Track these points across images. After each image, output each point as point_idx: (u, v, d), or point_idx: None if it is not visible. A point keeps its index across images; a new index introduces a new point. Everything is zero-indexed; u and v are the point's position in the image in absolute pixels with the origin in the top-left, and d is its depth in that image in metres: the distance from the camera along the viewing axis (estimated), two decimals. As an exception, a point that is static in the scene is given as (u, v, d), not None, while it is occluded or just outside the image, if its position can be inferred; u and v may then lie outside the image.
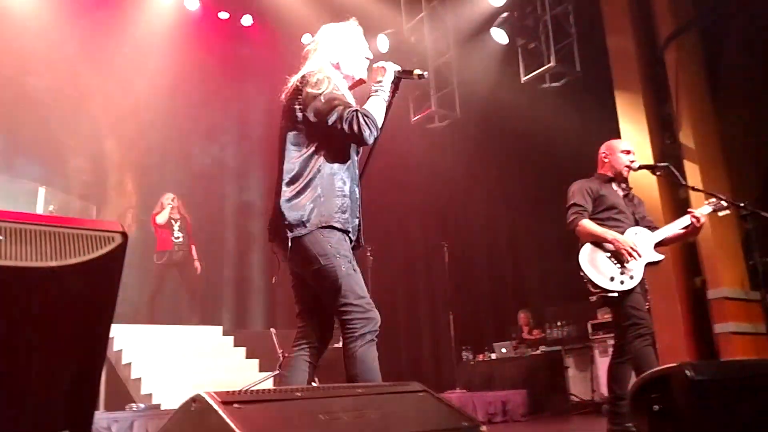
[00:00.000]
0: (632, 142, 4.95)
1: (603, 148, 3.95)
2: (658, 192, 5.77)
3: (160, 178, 8.30)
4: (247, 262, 9.30)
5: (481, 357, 7.34)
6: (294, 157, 2.49)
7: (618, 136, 5.97)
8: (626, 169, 3.85)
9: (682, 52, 6.04)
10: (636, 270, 3.56)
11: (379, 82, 2.59)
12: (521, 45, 7.17)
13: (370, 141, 2.47)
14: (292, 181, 2.46)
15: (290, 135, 2.52)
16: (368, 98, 2.55)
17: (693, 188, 4.76)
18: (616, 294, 3.53)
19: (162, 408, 4.92)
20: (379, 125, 2.50)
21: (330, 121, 2.41)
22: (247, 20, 9.08)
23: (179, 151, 8.73)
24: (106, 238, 2.14)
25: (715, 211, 3.91)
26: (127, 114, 8.30)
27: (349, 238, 2.50)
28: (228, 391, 1.56)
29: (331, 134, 2.44)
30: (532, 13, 7.04)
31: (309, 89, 2.46)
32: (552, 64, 6.77)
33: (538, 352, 6.81)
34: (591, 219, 3.70)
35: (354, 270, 2.42)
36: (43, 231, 1.99)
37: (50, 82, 7.77)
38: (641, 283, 3.59)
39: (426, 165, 8.97)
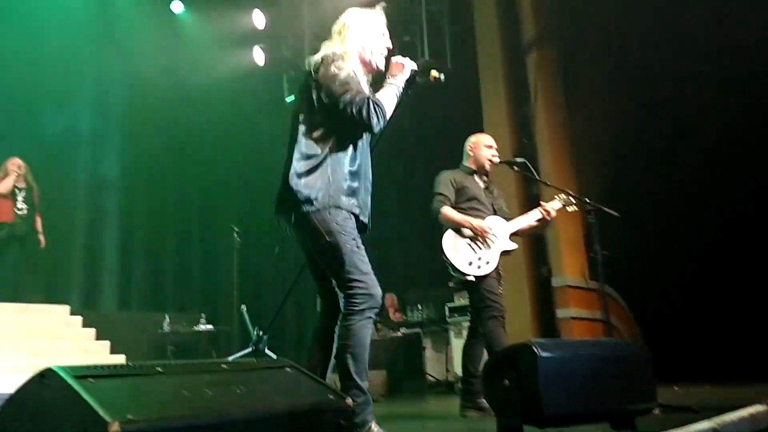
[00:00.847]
0: (493, 138, 5.24)
1: (469, 142, 4.16)
2: (515, 186, 6.18)
3: (2, 142, 7.50)
4: (100, 239, 8.69)
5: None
6: (307, 136, 2.52)
7: (482, 131, 6.31)
8: (488, 162, 4.09)
9: (542, 57, 6.51)
10: (492, 257, 3.80)
11: (395, 76, 2.64)
12: (397, 37, 7.32)
13: (377, 129, 2.52)
14: (303, 159, 2.50)
15: (305, 113, 2.56)
16: (381, 89, 2.61)
17: (546, 184, 5.16)
18: (473, 278, 3.76)
19: (-4, 393, 4.49)
20: (388, 116, 2.54)
21: (341, 105, 2.45)
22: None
23: (26, 113, 7.93)
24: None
25: (564, 206, 4.27)
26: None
27: (358, 219, 2.55)
28: (82, 366, 1.47)
29: (343, 118, 2.48)
30: (409, 6, 7.21)
31: (326, 70, 2.50)
32: (426, 58, 6.99)
33: (399, 334, 7.06)
34: (453, 208, 3.90)
35: (358, 247, 2.48)
36: None
37: None
38: (496, 269, 3.84)
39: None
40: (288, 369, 1.94)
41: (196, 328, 7.24)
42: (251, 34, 8.29)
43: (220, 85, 8.50)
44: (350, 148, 2.56)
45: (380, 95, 2.57)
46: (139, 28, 8.63)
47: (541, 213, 4.03)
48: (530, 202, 6.29)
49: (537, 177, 5.59)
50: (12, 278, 6.74)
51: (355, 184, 2.54)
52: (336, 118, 2.49)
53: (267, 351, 3.85)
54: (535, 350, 2.18)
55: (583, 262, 6.21)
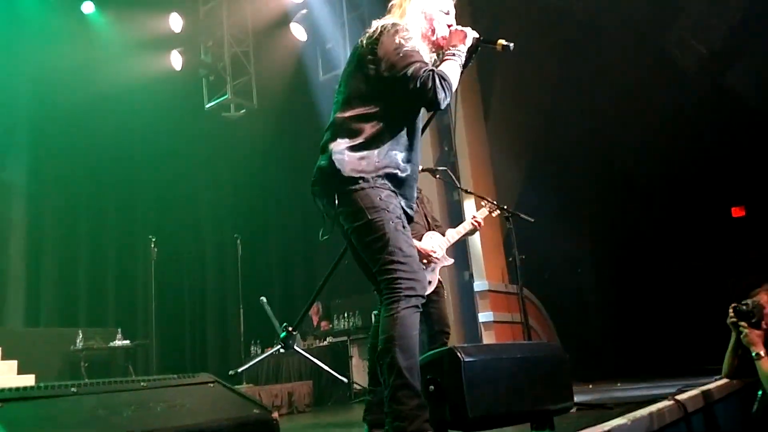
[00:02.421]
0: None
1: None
2: (437, 193, 6.31)
3: None
4: (5, 249, 8.14)
5: (269, 350, 7.33)
6: (355, 110, 2.28)
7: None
8: (413, 170, 4.13)
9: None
10: (433, 277, 3.82)
11: (455, 46, 2.38)
12: (320, 44, 7.33)
13: (443, 105, 2.24)
14: (349, 135, 2.25)
15: (356, 85, 2.31)
16: (442, 62, 2.34)
17: (466, 191, 5.31)
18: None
19: None
20: (453, 90, 2.28)
21: (403, 78, 2.19)
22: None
23: None
24: None
25: (490, 212, 4.41)
26: None
27: (402, 208, 2.29)
28: (-13, 390, 1.37)
29: (400, 95, 2.23)
30: (330, 14, 7.23)
31: (388, 41, 2.25)
32: (349, 57, 7.02)
33: (325, 343, 7.02)
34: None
35: (403, 227, 2.22)
36: None
37: None
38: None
39: (220, 155, 8.71)
40: (211, 384, 1.89)
41: (111, 344, 6.91)
42: (168, 38, 8.04)
43: (136, 89, 8.17)
44: (404, 128, 2.31)
45: (444, 68, 2.29)
46: (46, 28, 8.18)
47: (473, 224, 4.11)
48: (452, 208, 6.45)
49: (458, 184, 5.78)
50: None
51: (406, 169, 2.30)
52: (394, 92, 2.24)
53: (297, 348, 3.42)
54: (459, 355, 2.23)
55: (502, 266, 6.41)
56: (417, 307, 2.14)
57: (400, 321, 2.08)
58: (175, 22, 7.83)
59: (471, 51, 2.42)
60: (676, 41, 7.16)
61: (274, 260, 8.89)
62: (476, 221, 4.11)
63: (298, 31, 7.34)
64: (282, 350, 3.37)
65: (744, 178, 7.45)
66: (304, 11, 7.27)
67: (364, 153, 2.22)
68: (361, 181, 2.19)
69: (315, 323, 7.61)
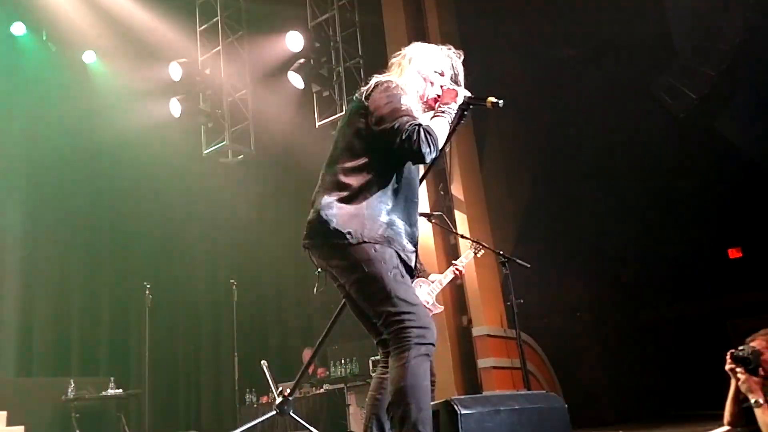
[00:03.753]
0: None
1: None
2: (433, 238, 6.32)
3: None
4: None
5: (265, 399, 7.21)
6: (344, 164, 2.32)
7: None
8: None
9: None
10: None
11: (447, 104, 2.43)
12: (316, 92, 7.44)
13: (428, 159, 2.28)
14: (340, 189, 2.28)
15: (347, 138, 2.36)
16: (432, 118, 2.40)
17: (462, 236, 5.33)
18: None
19: None
20: (440, 146, 2.32)
21: (390, 131, 2.23)
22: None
23: None
24: None
25: (475, 254, 4.43)
26: None
27: (400, 258, 2.27)
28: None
29: (387, 148, 2.26)
30: (326, 62, 7.37)
31: (379, 96, 2.32)
32: (343, 113, 7.11)
33: (322, 390, 6.90)
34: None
35: (402, 276, 2.21)
36: None
37: None
38: None
39: (217, 200, 8.74)
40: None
41: (104, 393, 6.79)
42: (168, 86, 8.18)
43: (135, 136, 8.27)
44: (394, 180, 2.33)
45: (432, 124, 2.34)
46: (47, 76, 8.34)
47: (455, 273, 4.13)
48: (448, 252, 6.45)
49: (453, 229, 5.80)
50: None
51: (396, 219, 2.30)
52: (383, 146, 2.28)
53: (293, 414, 3.34)
54: (456, 408, 2.21)
55: (500, 310, 6.37)
56: (428, 355, 2.11)
57: (412, 370, 2.04)
58: (175, 70, 7.97)
59: (463, 108, 2.47)
60: (667, 88, 7.31)
61: (270, 305, 8.83)
62: (457, 270, 4.13)
63: (295, 80, 7.46)
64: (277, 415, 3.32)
65: (740, 219, 7.48)
66: (301, 60, 7.40)
67: (353, 206, 2.24)
68: (350, 235, 2.19)
69: (311, 371, 7.50)
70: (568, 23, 7.22)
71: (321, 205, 2.26)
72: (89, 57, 8.61)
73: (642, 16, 7.14)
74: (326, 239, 2.23)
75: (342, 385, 6.77)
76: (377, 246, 2.20)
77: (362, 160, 2.30)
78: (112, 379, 6.98)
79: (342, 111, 7.13)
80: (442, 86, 2.50)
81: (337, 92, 7.30)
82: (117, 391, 6.84)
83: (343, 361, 6.94)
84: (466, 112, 2.49)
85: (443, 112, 2.41)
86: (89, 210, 8.61)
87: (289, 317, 8.61)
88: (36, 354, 8.08)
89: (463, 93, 2.48)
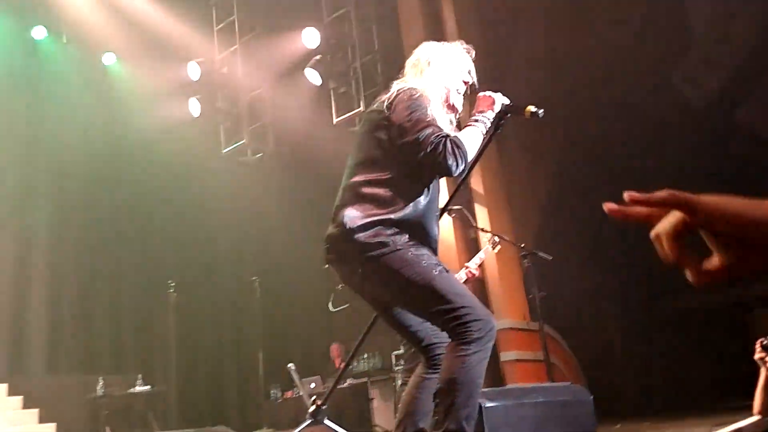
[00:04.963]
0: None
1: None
2: (453, 232, 6.31)
3: None
4: (26, 299, 8.20)
5: (289, 394, 7.27)
6: (367, 176, 2.24)
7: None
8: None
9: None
10: None
11: (482, 112, 2.33)
12: (333, 88, 7.45)
13: (455, 172, 2.16)
14: (362, 201, 2.20)
15: (368, 149, 2.29)
16: (464, 127, 2.31)
17: (482, 230, 5.32)
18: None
19: None
20: (469, 157, 2.21)
21: (414, 143, 2.15)
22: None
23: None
24: None
25: (492, 248, 4.42)
26: None
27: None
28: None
29: (411, 161, 2.18)
30: (343, 59, 7.37)
31: (400, 106, 2.22)
32: (361, 108, 7.11)
33: (345, 385, 6.94)
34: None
35: (447, 271, 2.15)
36: None
37: None
38: None
39: (238, 198, 8.81)
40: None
41: (132, 390, 6.90)
42: (186, 86, 8.26)
43: (155, 136, 8.37)
44: (417, 191, 2.24)
45: (463, 134, 2.25)
46: (68, 78, 8.46)
47: (467, 276, 4.11)
48: (469, 247, 6.43)
49: (473, 223, 5.78)
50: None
51: (422, 225, 2.23)
52: (406, 158, 2.20)
53: (327, 422, 3.37)
54: (481, 401, 2.21)
55: (522, 303, 6.35)
56: (487, 352, 2.06)
57: (469, 365, 2.00)
58: (193, 70, 8.04)
59: (500, 116, 2.37)
60: (687, 78, 7.20)
61: (293, 302, 8.88)
62: (470, 273, 4.10)
63: (312, 76, 7.48)
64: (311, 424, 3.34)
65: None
66: (317, 57, 7.41)
67: (379, 218, 2.16)
68: (383, 245, 2.12)
69: (337, 365, 7.55)
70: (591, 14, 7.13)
71: (346, 220, 2.18)
72: (109, 59, 8.72)
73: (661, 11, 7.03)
74: (357, 254, 2.15)
75: (365, 379, 6.80)
76: (412, 249, 2.14)
77: (386, 173, 2.23)
78: (140, 376, 7.09)
79: (359, 107, 7.13)
80: (471, 90, 2.42)
81: (354, 88, 7.30)
82: (145, 387, 6.94)
83: (366, 355, 6.98)
84: (502, 121, 2.39)
85: (477, 120, 2.31)
86: (114, 210, 8.74)
87: (311, 312, 8.66)
88: (64, 352, 8.22)
89: (501, 100, 2.38)
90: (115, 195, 8.77)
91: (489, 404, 2.21)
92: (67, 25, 8.13)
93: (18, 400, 5.89)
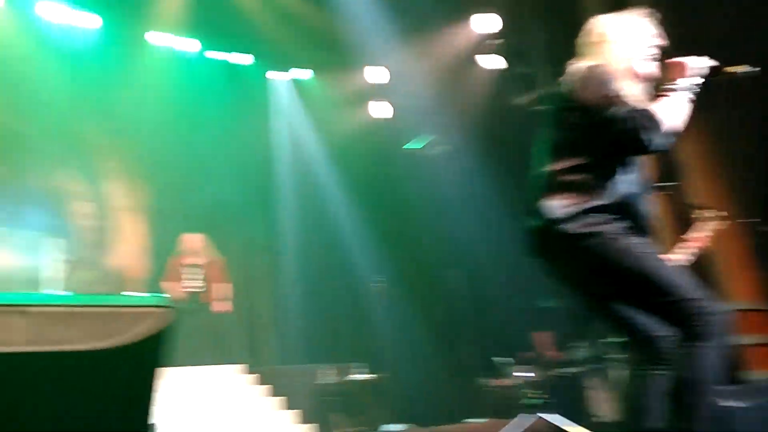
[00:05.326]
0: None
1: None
2: (666, 211, 5.84)
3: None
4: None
5: (500, 382, 7.27)
6: (565, 162, 2.20)
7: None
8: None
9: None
10: None
11: (674, 80, 2.19)
12: (511, 70, 7.39)
13: (650, 147, 2.08)
14: (564, 190, 2.16)
15: (561, 134, 2.26)
16: (656, 99, 2.20)
17: (698, 206, 4.82)
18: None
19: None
20: (667, 130, 2.10)
21: (605, 122, 2.09)
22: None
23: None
24: (148, 315, 2.07)
25: (712, 224, 4.03)
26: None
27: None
28: None
29: (605, 141, 2.13)
30: (519, 40, 7.25)
31: (588, 85, 2.16)
32: (544, 99, 6.91)
33: (555, 373, 6.80)
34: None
35: (661, 258, 2.11)
36: (74, 312, 1.95)
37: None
38: None
39: (434, 190, 9.09)
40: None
41: (356, 377, 7.32)
42: (368, 90, 8.91)
43: (349, 141, 9.12)
44: (616, 171, 2.18)
45: (656, 107, 2.12)
46: (268, 101, 9.42)
47: (685, 257, 3.71)
48: (685, 225, 5.89)
49: (688, 199, 5.30)
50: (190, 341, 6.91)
51: (631, 211, 2.17)
52: (600, 139, 2.14)
53: (551, 416, 3.42)
54: (731, 402, 2.03)
55: (752, 282, 5.70)
56: (718, 345, 1.95)
57: (700, 362, 1.92)
58: (373, 74, 8.53)
59: (705, 79, 2.21)
60: None
61: (496, 293, 8.87)
62: (688, 254, 3.65)
63: (488, 61, 7.47)
64: None
65: None
66: (494, 41, 7.35)
67: (584, 207, 2.12)
68: (592, 236, 2.07)
69: (546, 354, 7.42)
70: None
71: (551, 211, 2.15)
72: (305, 74, 9.45)
73: None
74: (566, 246, 2.12)
75: (577, 369, 6.63)
76: (623, 237, 2.07)
77: (584, 158, 2.17)
78: (356, 364, 7.50)
79: (537, 87, 6.94)
80: (659, 46, 2.30)
81: (533, 69, 7.13)
82: (369, 375, 7.32)
83: (577, 343, 6.79)
84: (703, 85, 2.21)
85: (671, 91, 2.17)
86: (321, 213, 9.57)
87: (512, 300, 8.60)
88: (291, 344, 9.14)
89: (700, 64, 2.20)
90: (319, 198, 9.59)
91: (741, 405, 2.01)
92: (267, 48, 8.88)
93: (266, 388, 6.48)
